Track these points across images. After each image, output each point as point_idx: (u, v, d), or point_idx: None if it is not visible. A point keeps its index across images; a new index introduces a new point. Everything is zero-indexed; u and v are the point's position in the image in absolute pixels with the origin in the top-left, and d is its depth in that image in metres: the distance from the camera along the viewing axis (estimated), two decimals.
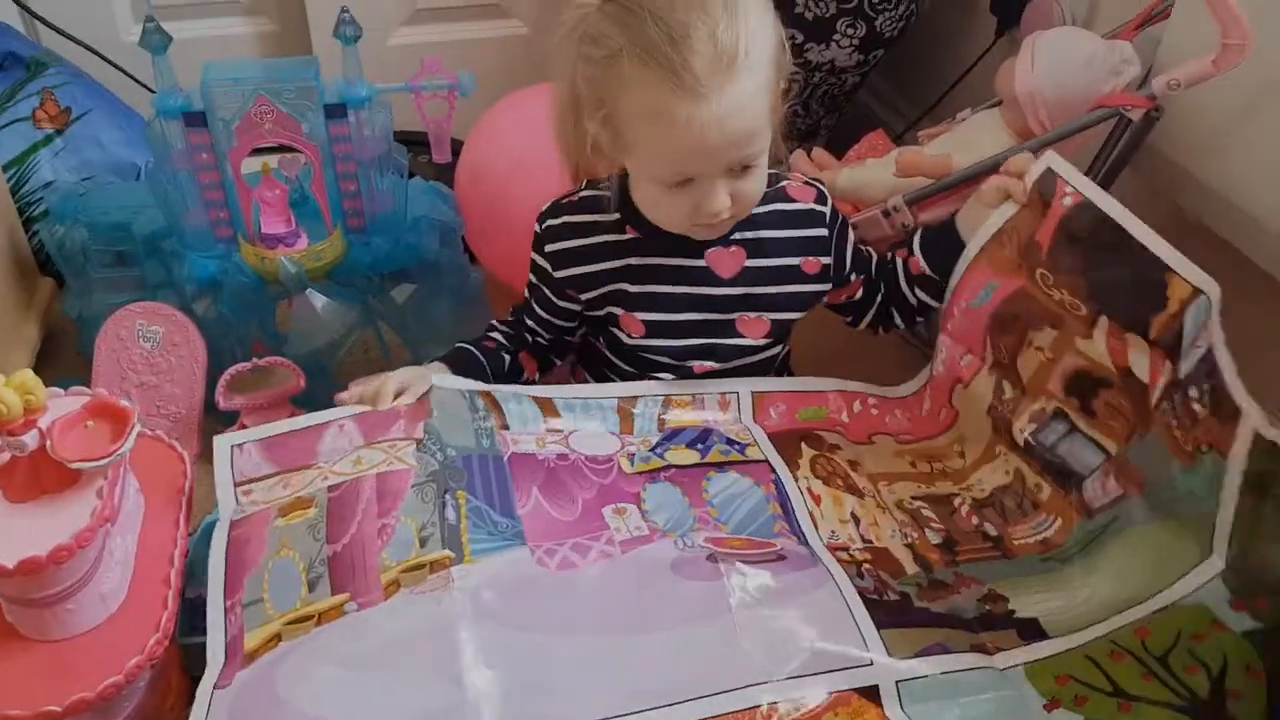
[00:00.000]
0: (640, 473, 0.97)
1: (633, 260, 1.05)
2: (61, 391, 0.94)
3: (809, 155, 1.32)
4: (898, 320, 1.16)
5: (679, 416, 1.05)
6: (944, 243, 1.09)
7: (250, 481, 0.96)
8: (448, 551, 0.85)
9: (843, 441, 1.06)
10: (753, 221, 1.05)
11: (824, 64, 1.53)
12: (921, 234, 1.13)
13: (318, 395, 1.24)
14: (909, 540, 0.96)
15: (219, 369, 1.21)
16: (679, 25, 0.87)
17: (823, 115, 1.63)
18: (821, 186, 1.10)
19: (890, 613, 0.86)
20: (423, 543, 0.86)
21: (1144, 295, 0.90)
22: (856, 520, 0.97)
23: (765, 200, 1.04)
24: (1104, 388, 0.95)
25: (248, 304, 1.23)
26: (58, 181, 1.41)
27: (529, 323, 1.13)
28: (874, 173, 1.27)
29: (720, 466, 0.98)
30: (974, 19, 1.60)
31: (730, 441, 1.02)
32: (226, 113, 1.16)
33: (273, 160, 1.25)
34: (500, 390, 1.04)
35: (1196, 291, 0.86)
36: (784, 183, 1.08)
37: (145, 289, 1.27)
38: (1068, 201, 0.97)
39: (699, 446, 1.01)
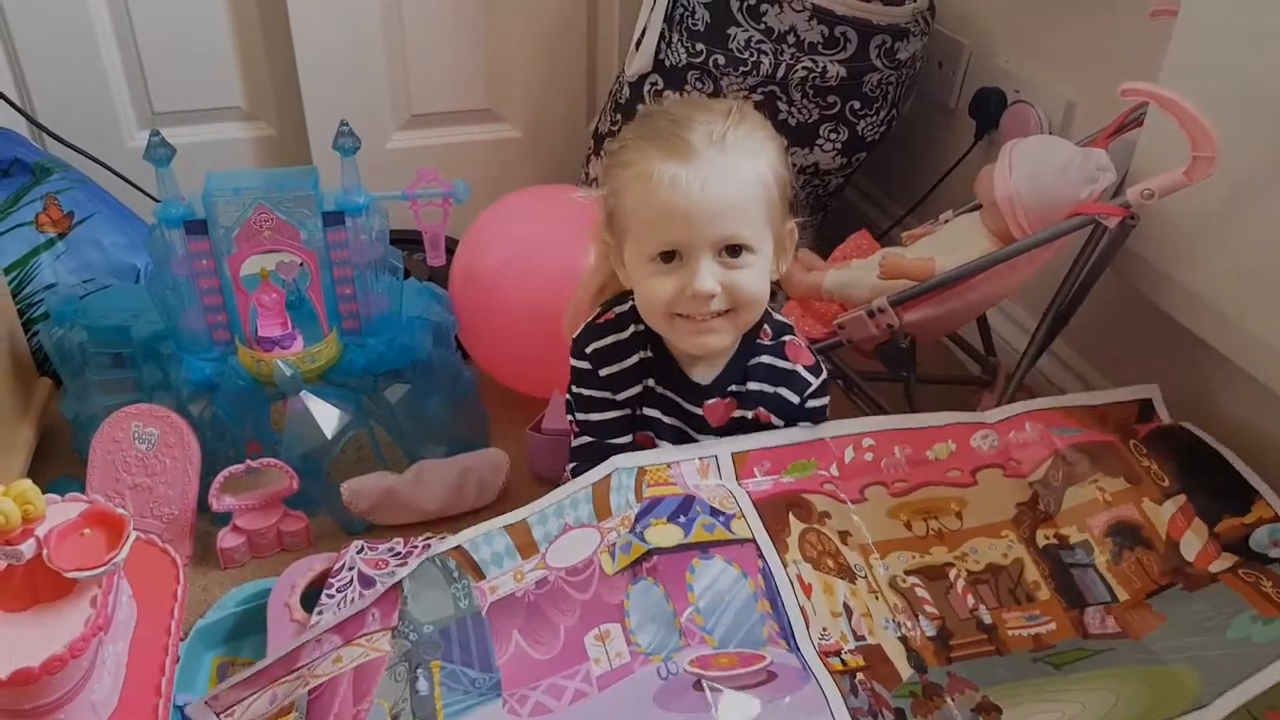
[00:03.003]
0: (622, 569, 0.93)
1: (649, 381, 1.08)
2: (58, 498, 0.95)
3: (796, 257, 1.34)
4: None
5: (658, 489, 1.04)
6: None
7: (234, 705, 0.96)
8: None
9: (833, 506, 1.04)
10: (748, 372, 1.06)
11: (808, 167, 1.57)
12: None
13: (310, 495, 1.25)
14: (902, 633, 0.96)
15: (213, 470, 1.22)
16: (684, 117, 0.95)
17: (808, 216, 1.66)
18: (818, 359, 1.09)
19: None
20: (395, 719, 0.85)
21: (1229, 499, 1.01)
22: (849, 612, 0.95)
23: (766, 351, 1.06)
24: (1143, 547, 1.00)
25: (243, 406, 1.24)
26: (59, 284, 1.43)
27: (604, 439, 1.10)
28: (859, 274, 1.29)
29: (705, 549, 0.95)
30: (954, 122, 1.64)
31: (715, 512, 1.00)
32: (227, 220, 1.18)
33: (270, 263, 1.27)
34: (471, 539, 1.02)
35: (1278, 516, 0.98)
36: (787, 338, 1.08)
37: (142, 391, 1.28)
38: (1166, 419, 1.11)
39: (681, 520, 0.98)
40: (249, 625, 1.08)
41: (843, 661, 0.90)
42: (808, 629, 0.92)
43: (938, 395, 1.39)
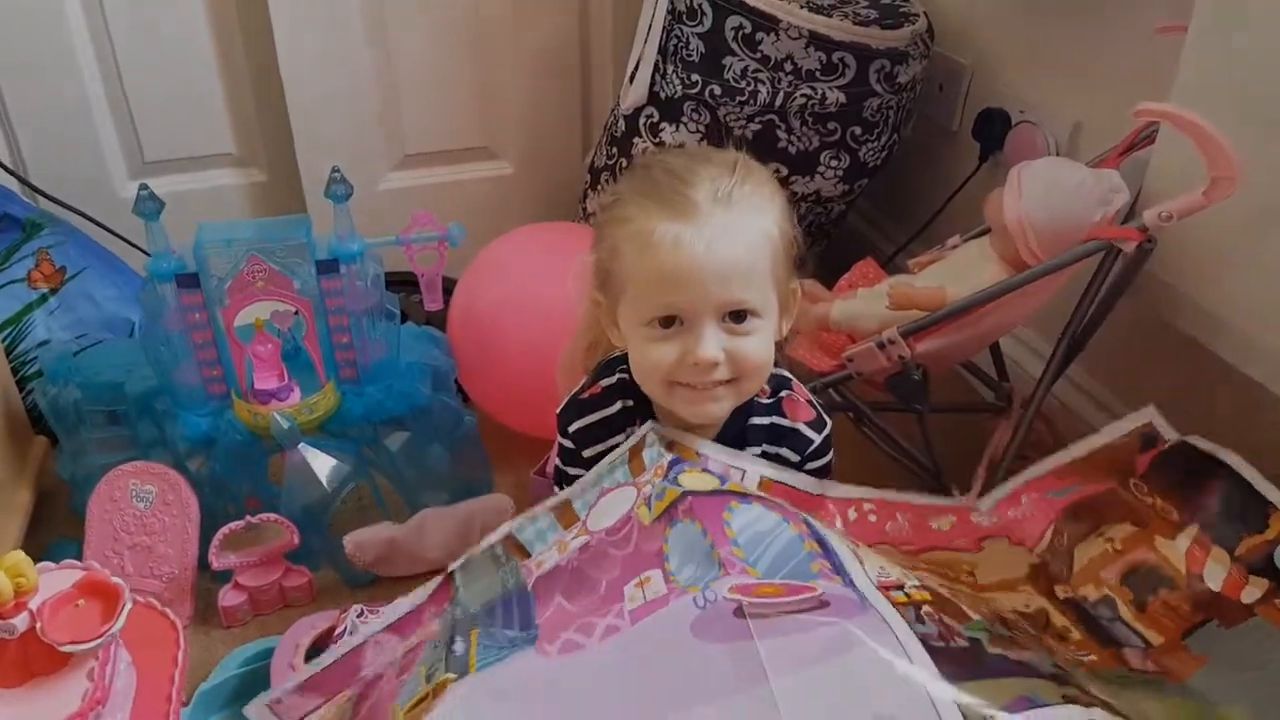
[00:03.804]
0: (659, 516, 0.85)
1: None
2: (52, 566, 0.92)
3: (801, 287, 1.32)
4: None
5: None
6: None
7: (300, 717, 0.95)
8: (449, 674, 0.79)
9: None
10: (746, 435, 1.01)
11: (810, 194, 1.55)
12: None
13: (312, 549, 1.22)
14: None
15: (213, 527, 1.18)
16: (686, 170, 0.91)
17: (810, 244, 1.64)
18: (822, 412, 1.04)
19: (961, 664, 0.71)
20: (429, 679, 0.81)
21: (1244, 518, 0.95)
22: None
23: (764, 410, 1.02)
24: (1165, 587, 0.96)
25: (241, 460, 1.21)
26: (52, 340, 1.40)
27: None
28: (867, 304, 1.26)
29: (743, 497, 0.86)
30: (956, 145, 1.61)
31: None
32: (219, 272, 1.16)
33: (265, 313, 1.25)
34: (518, 525, 0.97)
35: None
36: (785, 394, 1.03)
37: (138, 448, 1.25)
38: (1170, 438, 1.04)
39: (713, 472, 0.93)
40: (253, 686, 1.04)
41: (906, 595, 0.78)
42: (863, 568, 0.80)
43: (951, 424, 1.36)
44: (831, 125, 1.50)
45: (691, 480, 0.89)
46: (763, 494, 0.90)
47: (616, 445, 1.00)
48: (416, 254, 1.23)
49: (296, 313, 1.20)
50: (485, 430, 1.40)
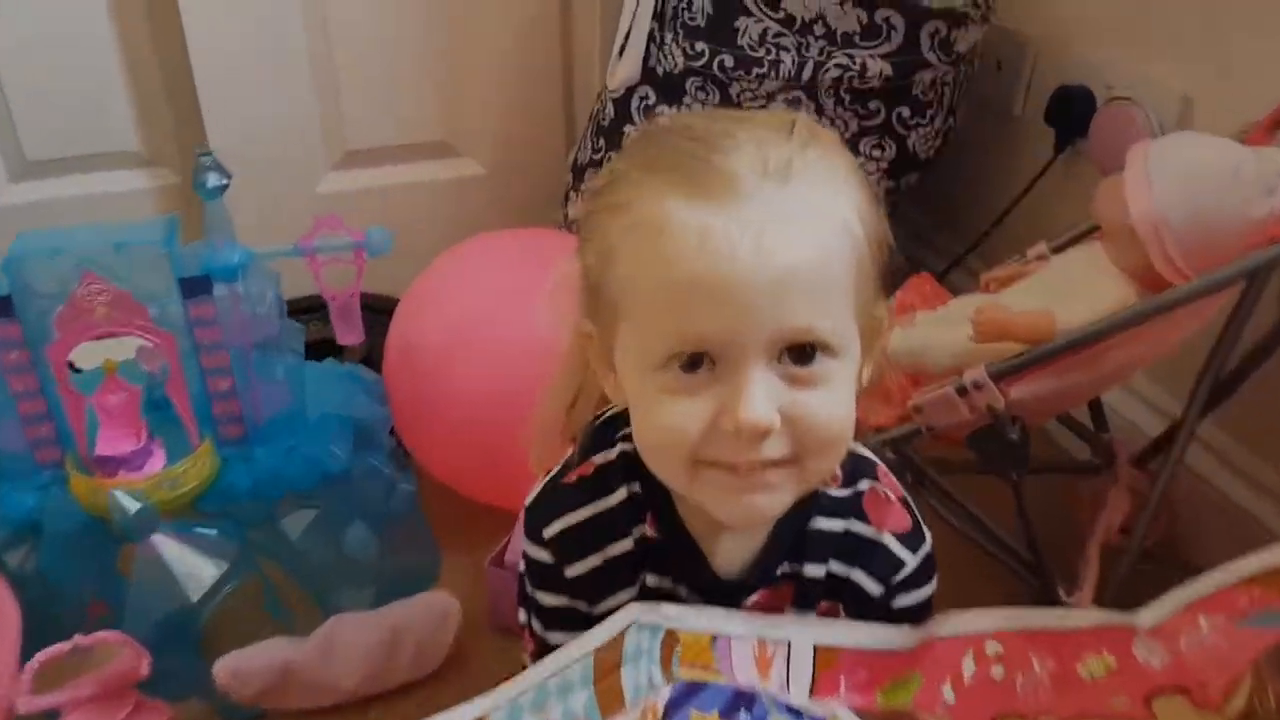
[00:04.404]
0: None
1: (648, 577, 0.70)
2: None
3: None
4: None
5: (696, 673, 0.67)
6: None
7: None
8: None
9: None
10: (806, 543, 0.69)
11: None
12: None
13: (175, 674, 0.91)
14: None
15: (42, 644, 0.87)
16: (718, 133, 0.59)
17: None
18: (917, 516, 0.71)
19: None
20: None
21: None
22: None
23: (833, 507, 0.69)
24: None
25: (79, 552, 0.92)
26: None
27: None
28: (935, 333, 0.97)
29: None
30: (1020, 133, 1.37)
31: (794, 713, 0.64)
32: (45, 297, 0.86)
33: (126, 351, 0.94)
34: None
35: None
36: (866, 485, 0.70)
37: None
38: None
39: (741, 687, 0.63)
40: None
41: None
42: None
43: (1034, 486, 1.04)
44: (873, 105, 1.26)
45: None
46: None
47: (617, 563, 0.68)
48: (324, 269, 0.91)
49: None
50: (431, 501, 1.12)
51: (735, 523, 0.63)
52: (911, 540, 0.69)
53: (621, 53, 1.33)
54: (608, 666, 0.65)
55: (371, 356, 1.22)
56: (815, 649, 0.65)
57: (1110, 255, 0.90)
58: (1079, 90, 1.24)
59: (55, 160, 1.48)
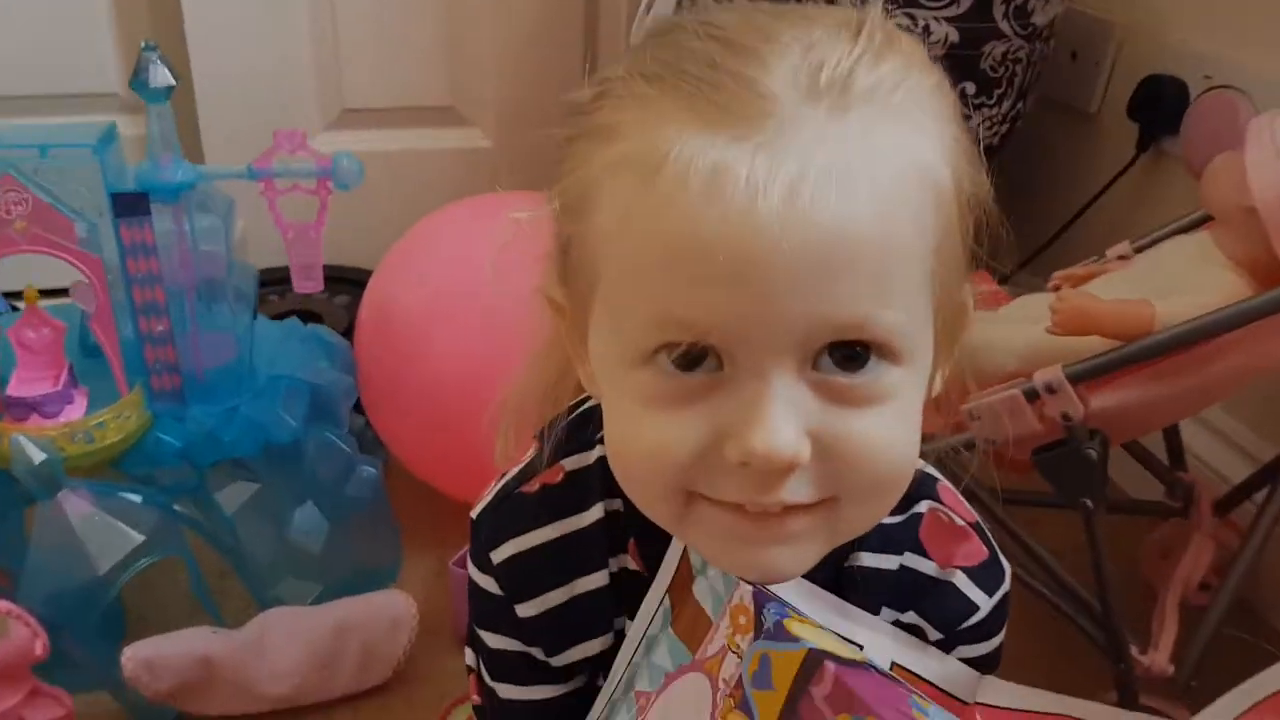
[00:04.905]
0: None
1: (626, 622, 0.54)
2: None
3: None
4: None
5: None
6: None
7: None
8: None
9: None
10: (850, 588, 0.53)
11: None
12: None
13: (74, 661, 0.78)
14: None
15: None
16: (749, 31, 0.42)
17: None
18: (993, 546, 0.56)
19: None
20: None
21: None
22: None
23: (887, 540, 0.52)
24: None
25: None
26: None
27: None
28: (995, 330, 0.83)
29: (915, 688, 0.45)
30: (1096, 132, 1.24)
31: None
32: None
33: (65, 278, 0.81)
34: None
35: None
36: (925, 506, 0.55)
37: None
38: None
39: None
40: None
41: None
42: None
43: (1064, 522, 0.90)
44: None
45: (813, 634, 0.43)
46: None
47: (586, 601, 0.53)
48: (281, 197, 0.77)
49: None
50: (397, 489, 0.99)
51: (747, 576, 0.46)
52: (987, 578, 0.53)
53: (649, 9, 1.18)
54: (680, 591, 0.50)
55: (351, 330, 1.09)
56: (892, 665, 0.50)
57: (1221, 244, 0.76)
58: (1169, 81, 1.12)
59: (25, 98, 1.34)
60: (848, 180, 0.38)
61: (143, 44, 0.74)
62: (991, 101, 1.11)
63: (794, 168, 0.38)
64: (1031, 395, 0.73)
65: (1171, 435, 0.97)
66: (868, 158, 0.39)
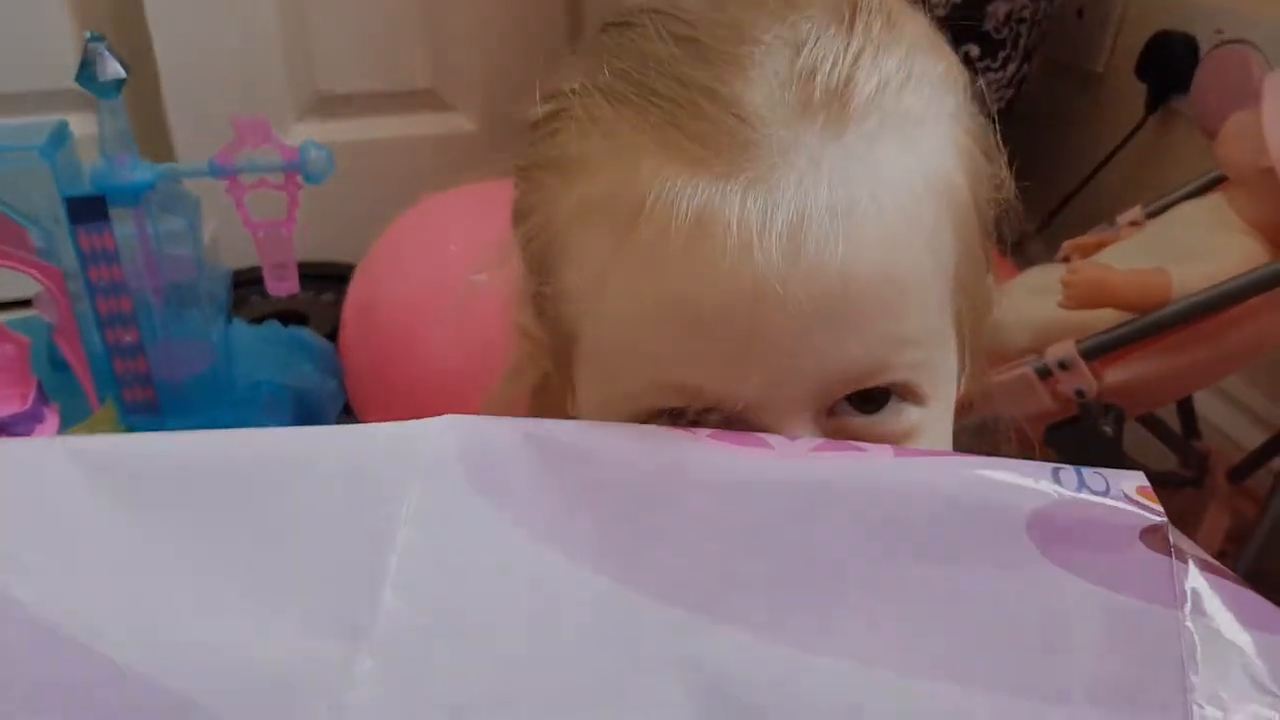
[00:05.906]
0: None
1: None
2: None
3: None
4: None
5: None
6: None
7: None
8: None
9: None
10: None
11: None
12: None
13: None
14: None
15: None
16: (729, 27, 0.37)
17: None
18: None
19: None
20: None
21: None
22: None
23: None
24: None
25: None
26: None
27: None
28: (1005, 305, 0.78)
29: None
30: (1105, 92, 1.20)
31: None
32: None
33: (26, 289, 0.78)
34: None
35: None
36: None
37: None
38: None
39: None
40: None
41: None
42: None
43: None
44: None
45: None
46: None
47: None
48: (249, 194, 0.74)
49: None
50: None
51: None
52: None
53: None
54: None
55: (336, 332, 1.06)
56: None
57: (1237, 207, 0.73)
58: (1179, 37, 1.08)
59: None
60: (852, 217, 0.34)
61: (87, 35, 0.70)
62: (996, 65, 1.08)
63: (790, 210, 0.34)
64: (1044, 372, 0.70)
65: (1184, 403, 0.94)
66: (873, 184, 0.35)
